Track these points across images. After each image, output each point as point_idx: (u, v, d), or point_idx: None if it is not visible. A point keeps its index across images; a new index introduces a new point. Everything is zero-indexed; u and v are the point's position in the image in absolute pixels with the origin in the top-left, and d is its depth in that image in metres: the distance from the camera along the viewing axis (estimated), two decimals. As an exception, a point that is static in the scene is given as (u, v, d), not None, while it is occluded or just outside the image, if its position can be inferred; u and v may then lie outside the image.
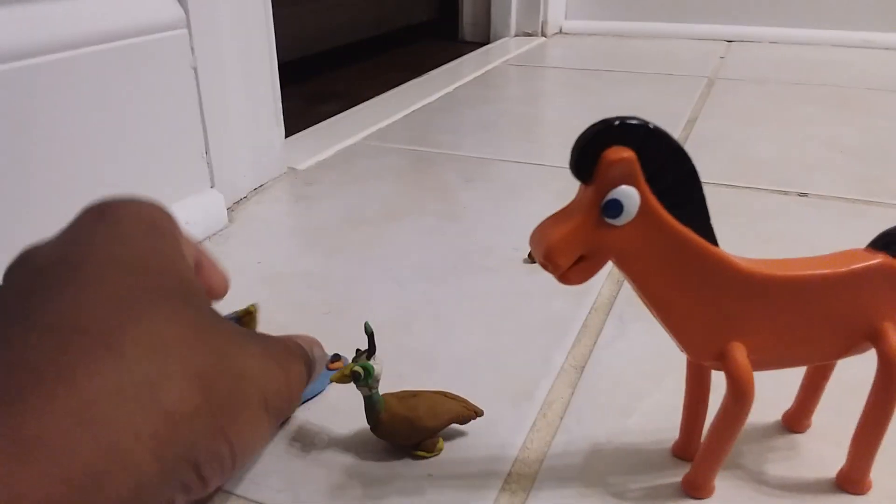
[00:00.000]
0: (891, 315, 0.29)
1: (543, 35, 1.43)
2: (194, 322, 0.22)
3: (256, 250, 0.54)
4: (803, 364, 0.30)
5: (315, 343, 0.31)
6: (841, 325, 0.28)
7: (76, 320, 0.19)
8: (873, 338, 0.28)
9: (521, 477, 0.32)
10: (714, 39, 1.34)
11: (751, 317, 0.27)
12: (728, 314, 0.27)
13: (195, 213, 0.56)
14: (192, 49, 0.55)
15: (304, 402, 0.36)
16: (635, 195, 0.24)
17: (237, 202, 0.63)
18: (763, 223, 0.57)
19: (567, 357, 0.41)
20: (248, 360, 0.23)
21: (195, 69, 0.56)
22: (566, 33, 1.47)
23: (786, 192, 0.63)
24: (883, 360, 0.28)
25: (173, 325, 0.21)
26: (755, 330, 0.28)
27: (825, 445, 0.33)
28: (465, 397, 0.35)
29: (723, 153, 0.73)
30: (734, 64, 1.15)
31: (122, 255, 0.22)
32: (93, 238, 0.22)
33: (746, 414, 0.28)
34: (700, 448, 0.30)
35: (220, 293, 0.29)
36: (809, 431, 0.35)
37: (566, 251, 0.25)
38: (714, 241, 0.26)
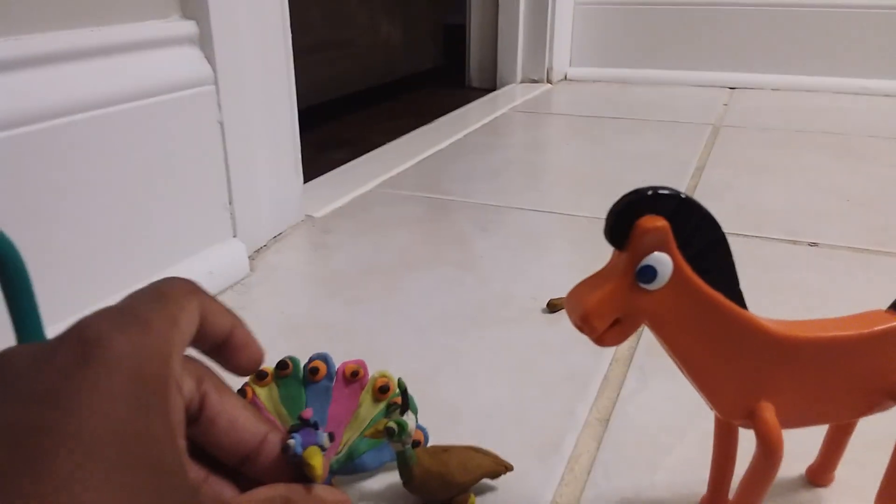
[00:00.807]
0: None
1: (549, 82, 1.46)
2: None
3: (279, 300, 0.55)
4: (829, 422, 0.31)
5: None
6: (865, 384, 0.29)
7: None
8: (895, 396, 0.29)
9: (552, 533, 0.33)
10: (717, 87, 1.37)
11: (779, 377, 0.28)
12: (757, 375, 0.28)
13: (218, 263, 0.57)
14: (220, 105, 0.57)
15: (353, 471, 0.36)
16: (668, 261, 0.26)
17: (257, 251, 0.64)
18: (775, 273, 0.58)
19: (591, 410, 0.41)
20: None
21: (221, 123, 0.58)
22: (571, 80, 1.50)
23: (796, 242, 0.64)
24: None
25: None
26: (783, 390, 0.28)
27: (849, 500, 0.34)
28: (494, 451, 0.35)
29: (731, 202, 0.74)
30: (738, 111, 1.18)
31: (98, 434, 0.19)
32: (70, 401, 0.19)
33: (776, 471, 0.28)
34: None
35: (248, 370, 0.27)
36: (833, 486, 0.35)
37: (603, 315, 0.26)
38: (743, 305, 0.27)
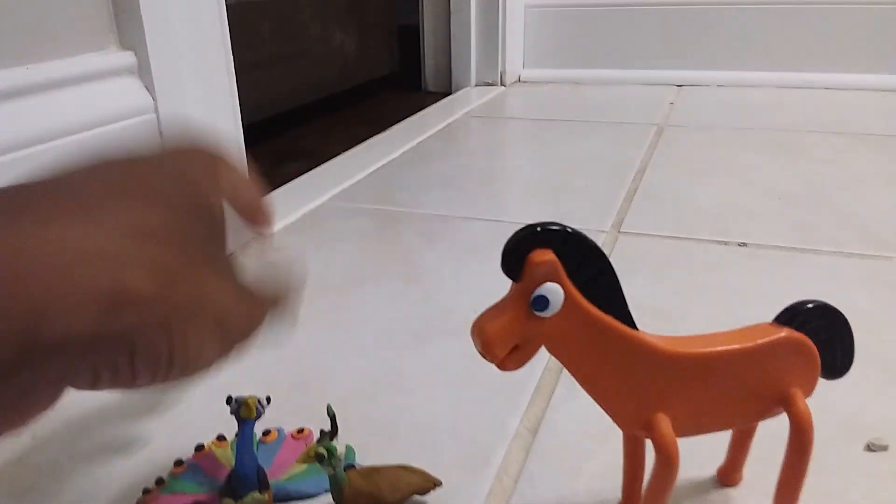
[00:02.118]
0: (798, 382, 0.32)
1: (503, 84, 1.48)
2: (184, 229, 0.23)
3: (226, 323, 0.57)
4: (724, 429, 0.33)
5: None
6: (754, 392, 0.32)
7: (69, 187, 0.21)
8: (784, 403, 0.32)
9: (478, 542, 0.35)
10: (665, 84, 1.41)
11: (671, 391, 0.30)
12: (651, 389, 0.30)
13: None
14: (161, 132, 0.58)
15: (293, 499, 0.39)
16: (559, 290, 0.28)
17: (207, 273, 0.65)
18: (704, 275, 0.61)
19: (522, 420, 0.44)
20: (216, 280, 0.24)
21: (163, 151, 0.59)
22: (525, 82, 1.53)
23: (726, 243, 0.67)
24: (794, 422, 0.32)
25: (160, 219, 0.22)
26: (676, 402, 0.31)
27: (756, 498, 0.37)
28: (426, 467, 0.37)
29: (668, 204, 0.77)
30: (683, 110, 1.21)
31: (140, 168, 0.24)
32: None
33: (674, 478, 0.31)
34: None
35: (258, 221, 0.30)
36: (742, 485, 0.38)
37: (501, 343, 0.28)
38: (633, 325, 0.30)
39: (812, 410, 0.43)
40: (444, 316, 0.56)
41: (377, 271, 0.65)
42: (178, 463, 0.39)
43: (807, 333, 0.32)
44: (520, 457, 0.41)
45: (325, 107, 1.44)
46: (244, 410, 0.35)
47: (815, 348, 0.32)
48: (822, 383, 0.46)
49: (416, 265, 0.66)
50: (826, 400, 0.44)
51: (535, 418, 0.44)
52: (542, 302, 0.28)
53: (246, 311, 0.26)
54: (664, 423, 0.30)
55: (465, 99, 1.39)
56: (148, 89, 0.57)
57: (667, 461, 0.30)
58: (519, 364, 0.29)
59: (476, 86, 1.50)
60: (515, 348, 0.28)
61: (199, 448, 0.40)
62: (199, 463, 0.39)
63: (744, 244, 0.67)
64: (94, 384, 0.21)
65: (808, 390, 0.33)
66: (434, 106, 1.35)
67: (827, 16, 1.32)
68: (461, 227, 0.74)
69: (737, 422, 0.33)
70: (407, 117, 1.25)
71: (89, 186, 0.22)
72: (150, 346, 0.21)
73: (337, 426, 0.34)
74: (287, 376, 0.49)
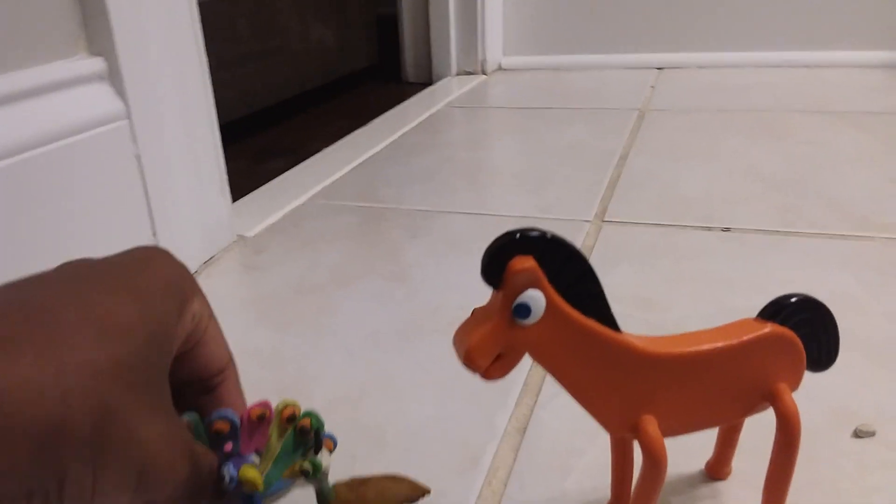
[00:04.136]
0: (784, 377, 0.32)
1: (484, 73, 1.47)
2: (137, 367, 0.23)
3: (210, 330, 0.56)
4: (711, 426, 0.33)
5: None
6: (740, 389, 0.32)
7: (36, 304, 0.22)
8: (770, 398, 0.32)
9: (469, 547, 0.35)
10: (646, 68, 1.40)
11: (657, 392, 0.30)
12: (636, 391, 0.30)
13: (147, 298, 0.57)
14: (135, 138, 0.57)
15: (267, 498, 0.38)
16: (541, 297, 0.27)
17: (189, 279, 0.64)
18: (688, 262, 0.61)
19: (510, 419, 0.43)
20: (150, 429, 0.24)
21: (138, 157, 0.58)
22: (505, 69, 1.52)
23: (710, 229, 0.67)
24: (780, 417, 0.32)
25: (117, 356, 0.22)
26: (663, 402, 0.30)
27: (746, 491, 0.37)
28: (413, 471, 0.37)
29: (651, 191, 0.77)
30: (664, 93, 1.21)
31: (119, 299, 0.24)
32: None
33: (662, 478, 0.31)
34: None
35: (210, 369, 0.31)
36: (731, 478, 0.38)
37: (484, 353, 0.27)
38: (616, 328, 0.29)
39: (799, 398, 0.44)
40: (431, 314, 0.56)
41: (362, 270, 0.64)
42: None
43: (791, 327, 0.32)
44: (509, 457, 0.40)
45: (306, 102, 1.42)
46: (246, 487, 0.32)
47: (800, 342, 0.32)
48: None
49: (401, 263, 0.65)
50: (812, 387, 0.44)
51: (523, 417, 0.44)
52: (524, 310, 0.27)
53: (170, 461, 0.25)
54: (651, 424, 0.30)
55: (446, 89, 1.38)
56: (120, 95, 0.56)
57: (654, 462, 0.30)
58: (503, 373, 0.28)
59: (457, 75, 1.48)
60: (499, 357, 0.28)
61: None
62: None
63: (727, 229, 0.67)
64: None
65: (795, 384, 0.33)
66: (415, 97, 1.34)
67: (805, -7, 1.31)
68: (445, 221, 0.74)
69: (724, 419, 0.33)
70: (388, 109, 1.24)
71: (56, 307, 0.22)
72: (76, 478, 0.22)
73: (321, 440, 0.34)
74: (272, 382, 0.49)
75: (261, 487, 0.32)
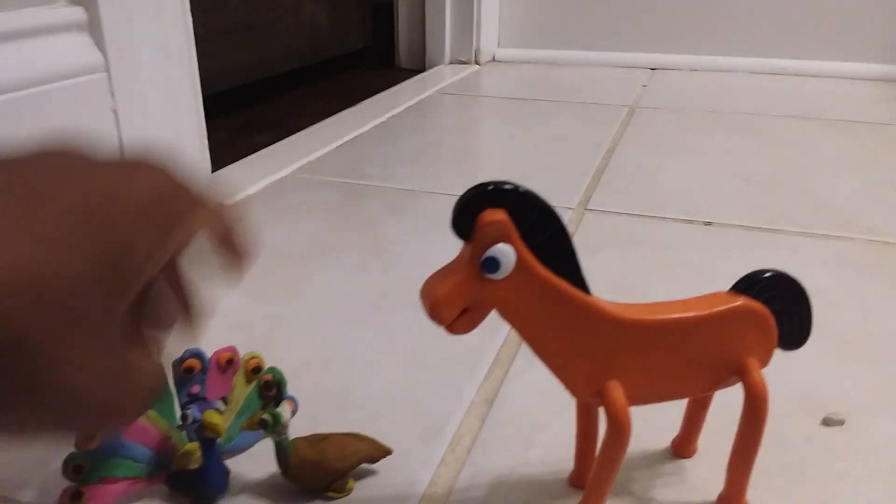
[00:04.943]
0: (753, 351, 0.32)
1: (477, 63, 1.46)
2: (97, 277, 0.20)
3: (179, 291, 0.55)
4: (678, 398, 0.33)
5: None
6: (709, 361, 0.31)
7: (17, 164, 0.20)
8: (739, 372, 0.31)
9: (428, 512, 0.34)
10: (638, 67, 1.40)
11: (625, 358, 0.30)
12: (604, 356, 0.29)
13: (117, 256, 0.56)
14: (112, 93, 0.56)
15: (227, 453, 0.37)
16: (511, 252, 0.27)
17: (162, 241, 0.63)
18: (669, 252, 0.61)
19: (478, 391, 0.43)
20: (66, 373, 0.20)
21: (115, 112, 0.57)
22: (499, 61, 1.51)
23: (691, 222, 0.67)
24: (748, 392, 0.31)
25: (78, 248, 0.19)
26: (630, 369, 0.30)
27: (710, 469, 0.36)
28: (377, 436, 0.36)
29: (636, 183, 0.77)
30: (655, 92, 1.21)
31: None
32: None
33: (626, 445, 0.30)
34: (589, 478, 0.32)
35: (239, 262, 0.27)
36: (696, 456, 0.37)
37: (450, 305, 0.27)
38: (587, 290, 0.29)
39: (770, 384, 0.43)
40: (405, 288, 0.55)
41: (339, 243, 0.63)
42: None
43: (764, 302, 0.31)
44: (474, 426, 0.40)
45: (295, 79, 1.41)
46: (208, 432, 0.31)
47: (771, 318, 0.31)
48: (782, 358, 0.46)
49: (379, 238, 0.64)
50: (785, 374, 0.44)
51: (492, 389, 0.43)
52: (493, 264, 0.27)
53: (106, 395, 0.21)
54: (616, 390, 0.30)
55: (439, 76, 1.37)
56: (99, 47, 0.55)
57: (618, 429, 0.30)
58: (468, 328, 0.28)
59: (450, 64, 1.48)
60: (465, 311, 0.27)
61: None
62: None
63: (709, 223, 0.67)
64: None
65: (765, 360, 0.32)
66: (406, 82, 1.33)
67: (801, 3, 1.32)
68: (427, 201, 0.73)
69: (692, 391, 0.33)
70: (378, 93, 1.23)
71: (35, 171, 0.20)
72: None
73: (282, 393, 0.33)
74: (240, 344, 0.47)
75: (223, 433, 0.31)
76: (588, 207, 0.70)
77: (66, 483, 0.32)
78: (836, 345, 0.47)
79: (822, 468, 0.37)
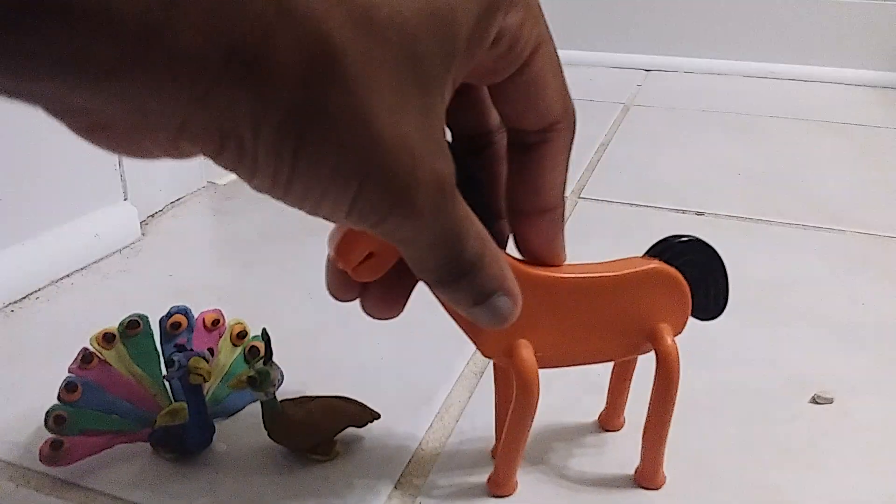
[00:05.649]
0: (666, 317, 0.31)
1: (473, 60, 1.46)
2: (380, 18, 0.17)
3: (168, 264, 0.54)
4: (591, 362, 0.31)
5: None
6: (621, 325, 0.30)
7: None
8: (651, 338, 0.30)
9: (415, 476, 0.34)
10: (633, 68, 1.41)
11: (535, 316, 0.29)
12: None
13: (106, 226, 0.55)
14: None
15: (214, 416, 0.36)
16: None
17: (152, 216, 0.62)
18: (659, 238, 0.61)
19: (468, 363, 0.43)
20: (387, 117, 0.18)
21: (109, 82, 0.56)
22: (495, 58, 1.51)
23: (684, 211, 0.67)
24: (659, 358, 0.30)
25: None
26: (539, 328, 0.29)
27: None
28: (366, 402, 0.36)
29: (629, 175, 0.77)
30: (650, 91, 1.22)
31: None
32: None
33: (534, 407, 0.29)
34: (500, 447, 0.32)
35: (527, 118, 0.24)
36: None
37: (353, 248, 0.26)
38: (502, 246, 0.28)
39: (760, 364, 0.43)
40: (397, 266, 0.55)
41: (331, 223, 0.63)
42: (71, 386, 0.31)
43: (678, 268, 0.30)
44: (463, 397, 0.39)
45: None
46: (193, 378, 0.31)
47: (685, 283, 0.31)
48: (775, 341, 0.46)
49: (371, 219, 0.64)
50: (775, 354, 0.45)
51: (481, 362, 0.43)
52: None
53: (408, 163, 0.19)
54: (525, 348, 0.29)
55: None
56: None
57: (526, 387, 0.29)
58: (373, 274, 0.26)
59: (446, 60, 1.48)
60: (370, 256, 0.26)
61: (87, 359, 0.32)
62: (98, 381, 0.32)
63: (701, 213, 0.67)
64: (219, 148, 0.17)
65: (678, 327, 0.31)
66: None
67: (796, 8, 1.33)
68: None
69: (604, 355, 0.32)
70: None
71: None
72: (269, 133, 0.17)
73: (271, 350, 0.32)
74: (230, 316, 0.47)
75: (209, 378, 0.31)
76: (581, 196, 0.70)
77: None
78: (826, 330, 0.48)
79: (809, 444, 0.37)
